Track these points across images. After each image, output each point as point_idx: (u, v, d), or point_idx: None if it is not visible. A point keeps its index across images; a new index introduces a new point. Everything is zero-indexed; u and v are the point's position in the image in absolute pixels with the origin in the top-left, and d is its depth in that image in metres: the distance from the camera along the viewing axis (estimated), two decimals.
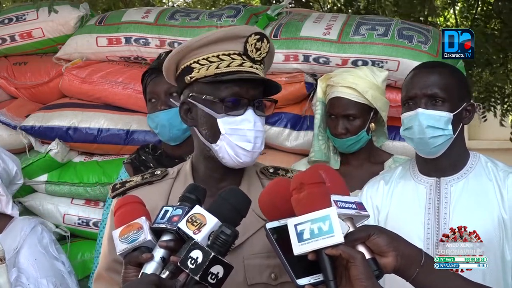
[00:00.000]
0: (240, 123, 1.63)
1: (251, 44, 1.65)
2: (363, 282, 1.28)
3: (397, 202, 2.21)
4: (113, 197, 1.77)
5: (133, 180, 1.79)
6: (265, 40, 1.67)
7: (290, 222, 1.33)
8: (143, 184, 1.76)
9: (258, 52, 1.67)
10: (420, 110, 2.11)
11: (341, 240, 1.30)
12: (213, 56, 1.64)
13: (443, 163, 2.17)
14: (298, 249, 1.31)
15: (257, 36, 1.66)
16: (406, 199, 2.20)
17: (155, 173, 1.80)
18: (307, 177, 1.37)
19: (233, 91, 1.63)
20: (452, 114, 2.11)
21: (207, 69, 1.63)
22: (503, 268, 2.04)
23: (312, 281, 1.32)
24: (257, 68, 1.66)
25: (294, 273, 1.32)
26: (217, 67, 1.63)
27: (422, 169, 2.22)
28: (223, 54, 1.64)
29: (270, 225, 1.39)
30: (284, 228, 1.36)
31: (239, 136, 1.63)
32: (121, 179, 2.70)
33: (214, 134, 1.65)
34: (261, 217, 1.65)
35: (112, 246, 1.66)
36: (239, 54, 1.65)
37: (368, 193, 2.31)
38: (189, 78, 1.66)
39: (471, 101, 2.22)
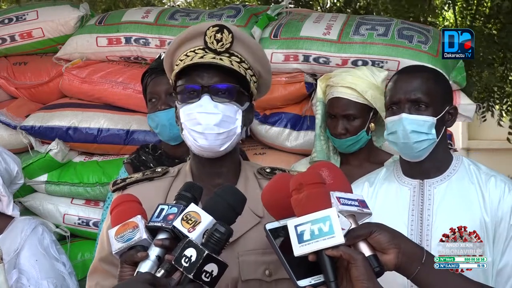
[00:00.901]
0: (194, 109, 1.67)
1: (210, 37, 1.69)
2: (364, 283, 1.28)
3: (381, 203, 2.22)
4: (113, 191, 1.81)
5: (133, 176, 1.82)
6: (225, 31, 1.69)
7: (290, 223, 1.33)
8: (143, 180, 1.80)
9: (220, 43, 1.69)
10: (404, 115, 2.11)
11: (342, 241, 1.30)
12: (183, 55, 1.70)
13: (427, 166, 2.18)
14: (299, 250, 1.31)
15: (215, 28, 1.69)
16: (390, 201, 2.21)
17: (156, 170, 1.83)
18: (307, 177, 1.37)
19: (188, 81, 1.68)
20: (435, 118, 2.12)
21: (177, 68, 1.70)
22: (484, 270, 2.02)
23: (313, 282, 1.31)
24: (221, 59, 1.67)
25: (294, 274, 1.31)
26: (184, 63, 1.68)
27: (406, 171, 2.23)
28: (190, 51, 1.69)
29: (270, 225, 1.39)
30: (284, 228, 1.36)
31: (191, 120, 1.67)
32: None
33: (180, 124, 1.71)
34: (257, 214, 1.67)
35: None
36: (202, 49, 1.69)
37: None
38: (171, 81, 1.75)
39: (453, 104, 2.23)
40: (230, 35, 1.69)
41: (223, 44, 1.69)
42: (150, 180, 1.80)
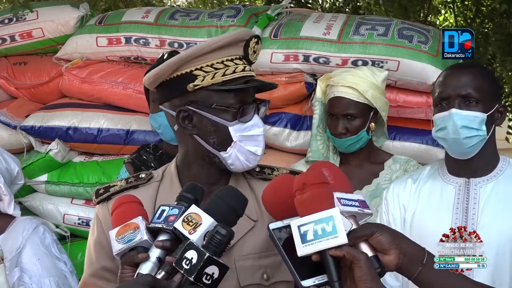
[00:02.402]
0: (251, 129, 1.64)
1: (251, 48, 1.66)
2: (367, 283, 1.28)
3: (425, 201, 2.20)
4: (98, 203, 1.74)
5: (117, 185, 1.75)
6: (259, 42, 1.69)
7: (294, 223, 1.33)
8: (128, 189, 1.73)
9: (255, 55, 1.69)
10: (454, 110, 2.08)
11: (345, 241, 1.30)
12: (217, 62, 1.62)
13: (474, 164, 2.15)
14: (302, 250, 1.30)
15: (256, 40, 1.67)
16: (434, 199, 2.19)
17: (140, 176, 1.77)
18: (310, 177, 1.36)
19: (241, 97, 1.62)
20: (486, 114, 2.09)
21: (212, 77, 1.61)
22: None
23: (316, 282, 1.31)
24: (251, 70, 1.67)
25: (298, 274, 1.31)
26: (224, 74, 1.61)
27: (452, 170, 2.20)
28: (227, 60, 1.63)
29: (273, 225, 1.38)
30: (288, 228, 1.35)
31: (251, 141, 1.64)
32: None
33: (225, 142, 1.64)
34: (251, 218, 1.66)
35: (100, 253, 1.66)
36: (239, 58, 1.65)
37: (395, 191, 2.30)
38: (192, 86, 1.61)
39: (502, 103, 2.20)
40: (260, 46, 1.70)
41: (256, 55, 1.69)
42: (135, 187, 1.74)
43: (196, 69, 1.61)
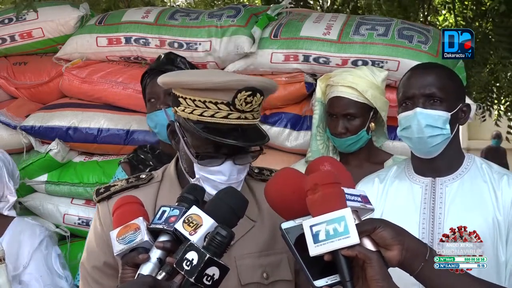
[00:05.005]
0: (214, 174, 1.61)
1: (240, 99, 1.55)
2: (379, 282, 1.29)
3: (392, 201, 2.21)
4: (98, 202, 1.76)
5: (117, 184, 1.77)
6: (258, 95, 1.57)
7: (306, 224, 1.33)
8: (129, 188, 1.75)
9: (249, 105, 1.57)
10: (418, 109, 2.10)
11: (357, 241, 1.30)
12: (199, 100, 1.57)
13: (439, 164, 2.17)
14: (314, 250, 1.31)
15: (249, 92, 1.56)
16: (401, 199, 2.20)
17: (141, 176, 1.78)
18: (322, 178, 1.36)
19: (210, 144, 1.59)
20: (449, 113, 2.11)
21: (190, 112, 1.58)
22: (497, 269, 2.03)
23: (329, 282, 1.31)
24: (245, 117, 1.59)
25: (311, 274, 1.31)
26: (200, 114, 1.57)
27: (418, 169, 2.22)
28: (210, 102, 1.56)
29: (285, 225, 1.38)
30: (299, 228, 1.35)
31: (211, 184, 1.62)
32: (118, 179, 2.70)
33: (191, 171, 1.66)
34: (251, 218, 1.68)
35: (102, 249, 1.68)
36: (227, 104, 1.56)
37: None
38: (175, 109, 1.64)
39: (467, 102, 2.22)
40: (261, 98, 1.59)
41: (251, 105, 1.57)
42: (135, 187, 1.75)
43: (181, 97, 1.61)
